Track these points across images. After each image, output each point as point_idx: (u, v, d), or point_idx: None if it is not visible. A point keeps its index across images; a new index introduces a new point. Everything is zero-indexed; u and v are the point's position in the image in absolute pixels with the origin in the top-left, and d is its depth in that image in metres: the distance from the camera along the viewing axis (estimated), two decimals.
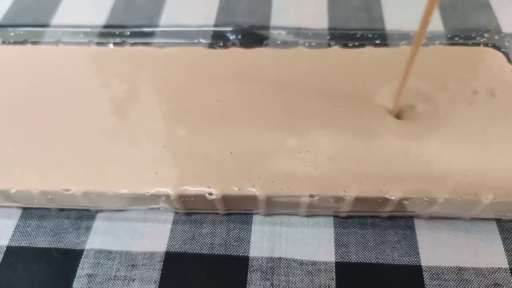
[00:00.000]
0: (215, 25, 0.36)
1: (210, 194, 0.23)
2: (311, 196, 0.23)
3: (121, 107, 0.27)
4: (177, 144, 0.25)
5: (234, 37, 0.31)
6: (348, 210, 0.24)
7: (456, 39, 0.33)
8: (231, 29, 0.31)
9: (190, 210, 0.25)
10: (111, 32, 0.33)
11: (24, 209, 0.27)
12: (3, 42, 0.31)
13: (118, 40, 0.32)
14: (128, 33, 0.31)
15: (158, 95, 0.28)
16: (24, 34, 0.32)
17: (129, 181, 0.24)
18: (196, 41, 0.33)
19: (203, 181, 0.23)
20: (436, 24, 0.36)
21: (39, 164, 0.25)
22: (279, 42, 0.33)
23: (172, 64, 0.29)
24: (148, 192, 0.23)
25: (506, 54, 0.29)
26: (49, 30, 0.32)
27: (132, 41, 0.32)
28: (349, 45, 0.31)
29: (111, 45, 0.31)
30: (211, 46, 0.31)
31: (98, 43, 0.31)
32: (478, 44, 0.31)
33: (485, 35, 0.31)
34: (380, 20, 0.36)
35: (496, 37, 0.30)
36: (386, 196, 0.23)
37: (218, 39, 0.33)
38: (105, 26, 0.37)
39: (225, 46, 0.31)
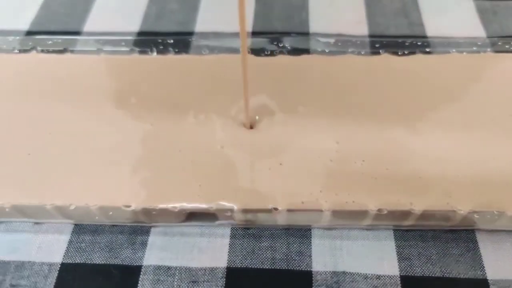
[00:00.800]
0: (253, 32, 0.36)
1: (276, 209, 0.23)
2: (380, 210, 0.23)
3: (163, 118, 0.26)
4: (233, 158, 0.25)
5: (280, 44, 0.30)
6: (411, 224, 0.24)
7: (500, 43, 0.32)
8: (276, 36, 0.30)
9: (250, 224, 0.25)
10: (153, 40, 0.32)
11: (76, 224, 0.26)
12: (42, 51, 0.30)
13: (158, 48, 0.31)
14: (172, 41, 0.30)
15: (201, 104, 0.27)
16: (62, 42, 0.31)
17: (189, 196, 0.23)
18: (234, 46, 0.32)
19: (268, 196, 0.23)
20: (478, 30, 0.36)
21: (95, 180, 0.24)
22: (320, 50, 0.32)
23: (213, 72, 0.29)
24: (213, 207, 0.23)
25: None
26: (87, 39, 0.31)
27: (171, 49, 0.31)
28: (398, 52, 0.31)
29: (154, 53, 0.30)
30: (257, 53, 0.30)
31: (140, 51, 0.30)
32: None
33: None
34: (421, 26, 0.36)
35: None
36: (454, 210, 0.23)
37: (258, 46, 0.32)
38: (140, 33, 0.36)
39: (272, 54, 0.30)
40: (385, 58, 0.29)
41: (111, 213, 0.24)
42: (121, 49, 0.31)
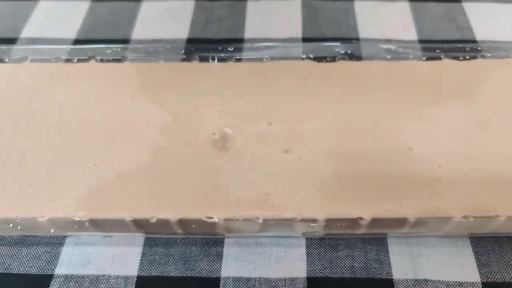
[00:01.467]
0: (303, 38, 0.36)
1: (361, 218, 0.23)
2: (465, 217, 0.22)
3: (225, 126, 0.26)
4: (310, 166, 0.24)
5: (341, 51, 0.30)
6: (490, 231, 0.24)
7: None
8: (338, 44, 0.30)
9: (329, 234, 0.25)
10: (204, 47, 0.32)
11: (147, 235, 0.26)
12: (101, 60, 0.30)
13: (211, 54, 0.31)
14: (232, 48, 0.30)
15: (261, 112, 0.27)
16: (120, 51, 0.31)
17: (270, 206, 0.23)
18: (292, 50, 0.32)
19: (350, 205, 0.23)
20: None
21: (169, 190, 0.24)
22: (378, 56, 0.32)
23: (272, 79, 0.29)
24: (297, 217, 0.23)
25: None
26: (143, 47, 0.31)
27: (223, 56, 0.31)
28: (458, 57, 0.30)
29: (215, 61, 0.30)
30: (319, 60, 0.30)
31: (201, 58, 0.30)
32: None
33: None
34: (469, 30, 0.36)
35: None
36: None
37: (311, 52, 0.32)
38: (189, 40, 0.36)
39: (333, 59, 0.30)
40: (448, 63, 0.29)
41: (193, 226, 0.23)
42: (178, 56, 0.31)
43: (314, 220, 0.23)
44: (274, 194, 0.23)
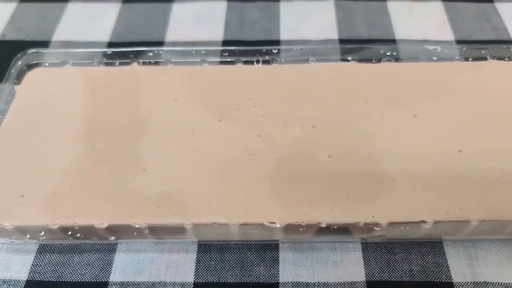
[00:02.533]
0: (340, 39, 0.35)
1: (423, 221, 0.22)
2: None
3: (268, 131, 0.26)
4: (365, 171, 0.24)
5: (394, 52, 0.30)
6: None
7: None
8: (383, 45, 0.30)
9: (390, 238, 0.25)
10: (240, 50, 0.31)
11: (199, 241, 0.26)
12: (143, 63, 0.30)
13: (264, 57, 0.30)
14: (276, 51, 0.30)
15: (304, 115, 0.26)
16: (163, 54, 0.30)
17: (328, 210, 0.23)
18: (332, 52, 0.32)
19: (415, 209, 0.23)
20: None
21: (227, 196, 0.23)
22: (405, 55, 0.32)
23: (315, 81, 0.28)
24: (361, 222, 0.22)
25: None
26: (186, 50, 0.30)
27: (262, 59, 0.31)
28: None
29: (259, 63, 0.30)
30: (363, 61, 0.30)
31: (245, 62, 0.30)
32: None
33: None
34: (504, 30, 0.36)
35: None
36: None
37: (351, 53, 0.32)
38: (225, 42, 0.36)
39: (378, 60, 0.30)
40: (494, 64, 0.29)
41: (256, 231, 0.23)
42: (219, 59, 0.30)
43: (376, 224, 0.23)
44: (326, 198, 0.23)
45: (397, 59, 0.30)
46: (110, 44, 0.36)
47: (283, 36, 0.36)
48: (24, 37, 0.36)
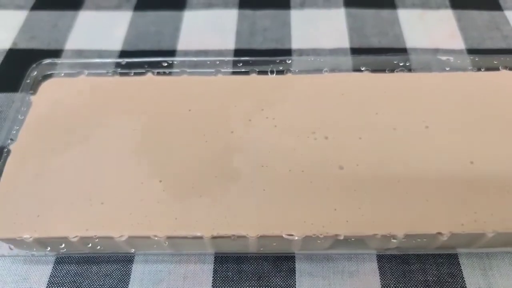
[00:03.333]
0: (351, 48, 0.36)
1: (440, 233, 0.23)
2: None
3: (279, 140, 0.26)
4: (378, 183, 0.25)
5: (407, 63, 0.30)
6: None
7: None
8: (393, 56, 0.30)
9: (405, 250, 0.25)
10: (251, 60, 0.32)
11: (216, 253, 0.26)
12: (158, 73, 0.30)
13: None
14: (290, 61, 0.30)
15: (317, 126, 0.27)
16: (177, 64, 0.30)
17: (343, 222, 0.23)
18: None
19: (431, 221, 0.23)
20: None
21: (251, 209, 0.24)
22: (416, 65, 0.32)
23: (328, 91, 0.28)
24: (378, 234, 0.23)
25: None
26: (199, 60, 0.31)
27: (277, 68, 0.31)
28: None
29: (273, 74, 0.30)
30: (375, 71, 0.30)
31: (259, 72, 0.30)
32: None
33: None
34: None
35: None
36: None
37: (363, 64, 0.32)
38: (237, 51, 0.36)
39: (391, 70, 0.30)
40: (506, 74, 0.29)
41: (274, 243, 0.23)
42: (233, 69, 0.31)
43: (394, 236, 0.23)
44: (341, 210, 0.23)
45: (409, 70, 0.30)
46: (122, 53, 0.36)
47: (295, 45, 0.36)
48: (37, 46, 0.37)
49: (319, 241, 0.23)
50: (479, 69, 0.30)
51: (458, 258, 0.25)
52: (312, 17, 0.38)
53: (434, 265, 0.25)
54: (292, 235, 0.23)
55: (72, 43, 0.37)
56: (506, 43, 0.36)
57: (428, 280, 0.25)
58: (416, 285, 0.24)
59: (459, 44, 0.36)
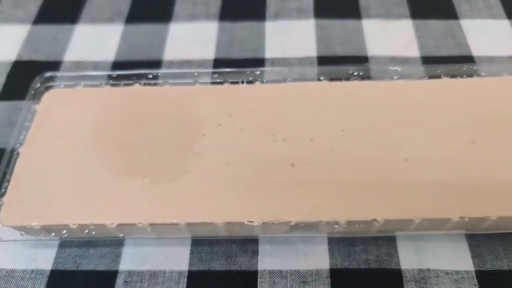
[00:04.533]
0: (318, 56, 0.40)
1: (376, 220, 0.27)
2: (462, 218, 0.27)
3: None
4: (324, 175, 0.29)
5: (354, 72, 0.34)
6: (485, 229, 0.29)
7: None
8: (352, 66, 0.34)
9: (348, 233, 0.30)
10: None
11: (192, 237, 0.31)
12: (144, 84, 0.34)
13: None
14: (258, 72, 0.34)
15: (277, 129, 0.31)
16: (161, 76, 0.35)
17: (295, 210, 0.28)
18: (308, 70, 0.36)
19: (368, 209, 0.28)
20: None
21: (219, 200, 0.28)
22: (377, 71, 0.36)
23: (290, 99, 0.33)
24: (323, 220, 0.27)
25: None
26: (184, 72, 0.35)
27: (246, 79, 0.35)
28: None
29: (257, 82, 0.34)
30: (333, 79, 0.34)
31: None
32: None
33: None
34: (467, 47, 0.40)
35: None
36: None
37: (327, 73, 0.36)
38: (216, 61, 0.40)
39: (347, 78, 0.34)
40: (446, 82, 0.34)
41: (237, 229, 0.28)
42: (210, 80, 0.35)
43: (336, 223, 0.28)
44: (292, 201, 0.28)
45: (363, 78, 0.34)
46: (115, 63, 0.40)
47: (268, 54, 0.40)
48: (39, 58, 0.41)
49: (274, 226, 0.28)
50: (431, 77, 0.34)
51: (395, 240, 0.30)
52: (285, 28, 0.42)
53: (375, 246, 0.30)
54: (252, 221, 0.28)
55: (70, 54, 0.41)
56: (459, 50, 0.40)
57: (369, 259, 0.29)
58: (359, 263, 0.29)
59: (414, 52, 0.40)
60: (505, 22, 0.42)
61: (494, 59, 0.39)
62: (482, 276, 0.28)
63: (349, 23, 0.43)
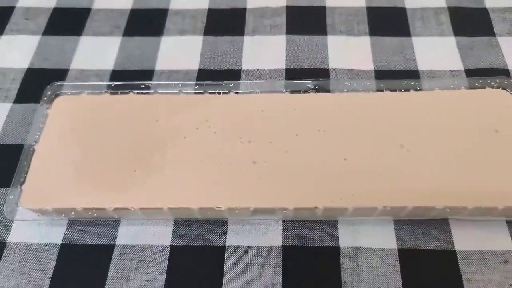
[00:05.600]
0: (286, 68, 0.47)
1: (317, 207, 0.35)
2: (385, 207, 0.35)
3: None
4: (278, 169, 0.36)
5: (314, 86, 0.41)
6: (406, 216, 0.36)
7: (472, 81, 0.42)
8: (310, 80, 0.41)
9: (295, 217, 0.37)
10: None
11: (175, 218, 0.38)
12: (138, 92, 0.42)
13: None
14: (232, 85, 0.41)
15: (244, 133, 0.38)
16: (153, 86, 0.42)
17: (256, 199, 0.35)
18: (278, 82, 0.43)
19: (311, 199, 0.35)
20: (456, 64, 0.47)
21: (194, 189, 0.36)
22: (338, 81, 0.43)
23: (257, 107, 0.40)
24: (275, 207, 0.35)
25: None
26: (169, 83, 0.42)
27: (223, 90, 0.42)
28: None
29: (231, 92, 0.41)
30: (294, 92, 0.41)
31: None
32: (491, 85, 0.41)
33: (497, 80, 0.41)
34: (414, 61, 0.47)
35: (505, 82, 0.41)
36: (433, 206, 0.34)
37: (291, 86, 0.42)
38: (200, 71, 0.47)
39: (305, 91, 0.41)
40: (387, 94, 0.41)
41: (209, 213, 0.36)
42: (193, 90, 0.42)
43: (285, 209, 0.35)
44: (251, 191, 0.35)
45: (319, 90, 0.41)
46: (114, 72, 0.47)
47: (244, 66, 0.47)
48: (49, 66, 0.48)
49: (237, 211, 0.35)
50: (381, 90, 0.41)
51: (337, 224, 0.37)
52: (260, 43, 0.49)
53: (320, 228, 0.37)
54: (220, 207, 0.35)
55: (76, 63, 0.48)
56: (406, 65, 0.47)
57: (314, 238, 0.37)
58: (305, 242, 0.37)
59: (369, 66, 0.47)
60: (452, 39, 0.49)
61: (436, 73, 0.46)
62: (402, 253, 0.36)
63: (316, 38, 0.49)
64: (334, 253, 0.36)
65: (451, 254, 0.36)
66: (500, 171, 0.35)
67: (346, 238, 0.37)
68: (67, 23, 0.52)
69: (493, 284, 0.34)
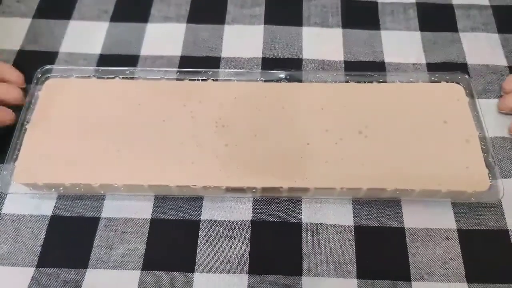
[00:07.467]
0: (263, 57, 0.50)
1: (281, 187, 0.39)
2: (342, 188, 0.39)
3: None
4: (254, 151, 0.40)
5: (282, 75, 0.45)
6: (363, 196, 0.41)
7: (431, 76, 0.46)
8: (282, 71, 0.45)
9: (264, 195, 0.41)
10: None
11: (155, 195, 0.42)
12: (123, 78, 0.45)
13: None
14: (211, 73, 0.45)
15: (218, 117, 0.42)
16: (137, 72, 0.45)
17: (226, 178, 0.39)
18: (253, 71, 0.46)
19: (275, 179, 0.39)
20: (419, 58, 0.50)
21: (173, 168, 0.40)
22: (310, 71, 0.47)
23: (233, 94, 0.43)
24: (244, 186, 0.39)
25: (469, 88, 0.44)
26: (154, 70, 0.45)
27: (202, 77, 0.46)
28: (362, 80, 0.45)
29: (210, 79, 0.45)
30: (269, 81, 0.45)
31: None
32: (447, 80, 0.45)
33: (453, 74, 0.45)
34: (381, 53, 0.51)
35: (459, 77, 0.45)
36: (384, 188, 0.39)
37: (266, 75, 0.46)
38: (182, 57, 0.50)
39: (277, 80, 0.45)
40: (351, 85, 0.44)
41: (185, 190, 0.39)
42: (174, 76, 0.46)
43: (253, 188, 0.39)
44: (223, 171, 0.39)
45: (289, 80, 0.45)
46: (101, 56, 0.50)
47: (224, 54, 0.50)
48: (39, 48, 0.51)
49: (211, 189, 0.39)
50: (348, 81, 0.45)
51: (301, 202, 0.42)
52: (239, 31, 0.52)
53: (286, 205, 0.42)
54: (195, 185, 0.39)
55: (65, 47, 0.51)
56: (373, 57, 0.50)
57: (280, 214, 0.41)
58: (272, 217, 0.41)
59: (339, 57, 0.50)
60: (417, 33, 0.52)
61: (400, 66, 0.49)
62: (358, 229, 0.40)
63: (291, 29, 0.52)
64: (297, 228, 0.41)
65: (400, 231, 0.40)
66: (445, 158, 0.40)
67: (308, 215, 0.41)
68: (57, 6, 0.54)
69: (435, 258, 0.39)
